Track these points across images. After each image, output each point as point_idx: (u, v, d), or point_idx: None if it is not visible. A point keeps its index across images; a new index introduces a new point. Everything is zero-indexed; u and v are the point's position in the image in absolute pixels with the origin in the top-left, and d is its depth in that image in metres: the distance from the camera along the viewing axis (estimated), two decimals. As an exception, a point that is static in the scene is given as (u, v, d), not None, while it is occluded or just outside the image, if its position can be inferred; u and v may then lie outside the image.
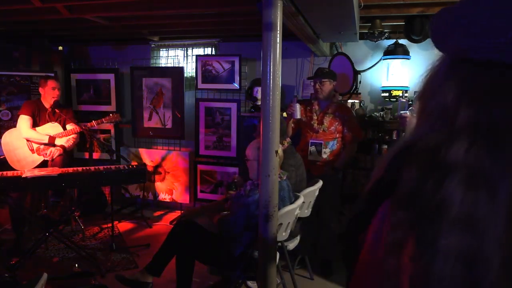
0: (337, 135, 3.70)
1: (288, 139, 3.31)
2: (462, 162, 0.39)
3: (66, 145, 4.15)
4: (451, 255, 0.39)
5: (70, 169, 3.48)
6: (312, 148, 3.66)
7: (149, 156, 5.41)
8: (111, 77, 5.47)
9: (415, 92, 4.25)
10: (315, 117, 3.73)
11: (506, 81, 0.38)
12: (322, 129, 3.68)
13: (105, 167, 3.60)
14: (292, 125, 3.76)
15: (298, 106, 3.54)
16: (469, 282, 0.38)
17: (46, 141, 4.04)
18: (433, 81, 0.45)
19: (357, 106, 4.59)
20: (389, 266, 0.44)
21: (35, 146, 4.08)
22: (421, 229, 0.42)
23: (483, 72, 0.40)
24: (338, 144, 3.71)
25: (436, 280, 0.40)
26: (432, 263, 0.40)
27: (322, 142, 3.66)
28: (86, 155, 5.30)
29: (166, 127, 5.32)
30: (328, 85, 3.70)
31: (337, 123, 3.68)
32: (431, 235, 0.40)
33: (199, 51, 5.50)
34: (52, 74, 4.86)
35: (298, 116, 3.57)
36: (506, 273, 0.36)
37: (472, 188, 0.39)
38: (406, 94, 4.31)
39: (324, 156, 3.66)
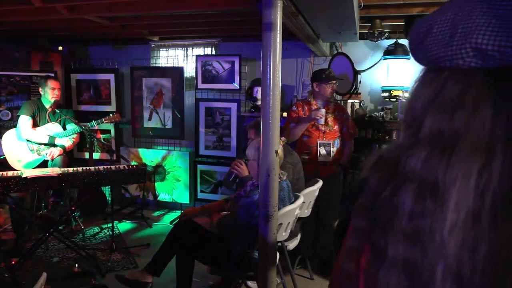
0: (339, 133, 3.73)
1: (283, 138, 3.29)
2: (417, 171, 0.40)
3: (66, 145, 4.15)
4: (397, 264, 0.39)
5: (70, 169, 3.48)
6: (321, 149, 3.66)
7: (149, 156, 5.41)
8: (111, 77, 5.47)
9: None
10: (323, 118, 3.73)
11: (468, 89, 0.38)
12: (328, 129, 3.68)
13: (105, 167, 3.60)
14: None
15: (324, 111, 3.56)
16: None
17: (46, 141, 4.04)
18: (411, 92, 0.45)
19: (357, 106, 4.59)
20: (348, 271, 0.46)
21: (35, 146, 4.08)
22: (375, 237, 0.42)
23: (450, 80, 0.40)
24: (340, 142, 3.75)
25: None
26: (380, 271, 0.41)
27: (330, 142, 3.67)
28: (86, 155, 5.30)
29: (166, 127, 5.32)
30: (335, 87, 3.76)
31: (339, 122, 3.72)
32: (383, 244, 0.41)
33: (199, 51, 5.50)
34: (52, 74, 4.86)
35: (323, 122, 3.59)
36: (450, 283, 0.36)
37: (421, 197, 0.39)
38: (406, 94, 4.31)
39: (333, 155, 3.68)
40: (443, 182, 0.37)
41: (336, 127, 3.70)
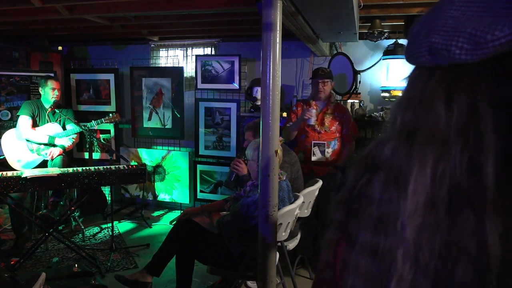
0: (337, 134, 3.71)
1: (281, 138, 3.29)
2: (387, 161, 0.42)
3: (66, 145, 4.15)
4: (365, 249, 0.42)
5: (70, 169, 3.48)
6: (315, 149, 3.66)
7: (148, 156, 5.41)
8: (110, 77, 5.47)
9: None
10: (314, 118, 3.73)
11: (427, 85, 0.41)
12: (324, 130, 3.68)
13: (104, 167, 3.60)
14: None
15: (314, 111, 3.57)
16: (379, 274, 0.41)
17: (46, 141, 4.04)
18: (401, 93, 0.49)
19: (357, 106, 4.59)
20: (327, 260, 0.49)
21: (35, 146, 4.08)
22: (350, 227, 0.45)
23: (418, 77, 0.43)
24: (338, 143, 3.72)
25: (354, 274, 0.43)
26: (351, 256, 0.44)
27: (325, 142, 3.66)
28: (86, 155, 5.30)
29: (166, 127, 5.32)
30: (329, 85, 3.71)
31: (337, 123, 3.69)
32: (356, 231, 0.44)
33: (199, 51, 5.50)
34: (52, 74, 4.86)
35: (313, 122, 3.60)
36: (409, 266, 0.38)
37: (388, 185, 0.41)
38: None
39: (327, 155, 3.67)
40: (405, 170, 0.40)
41: (333, 128, 3.69)
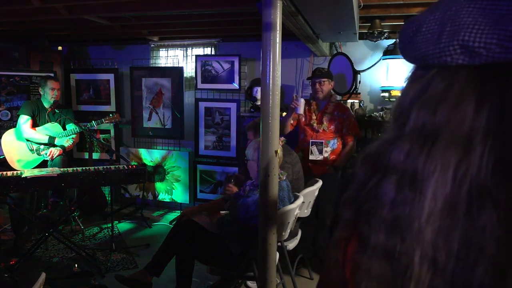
0: (337, 134, 3.71)
1: (282, 138, 3.30)
2: (399, 163, 0.42)
3: (66, 145, 4.15)
4: (378, 251, 0.42)
5: (70, 169, 3.48)
6: (313, 148, 3.66)
7: (148, 156, 5.41)
8: (110, 77, 5.47)
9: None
10: (314, 117, 3.74)
11: (453, 85, 0.40)
12: (322, 129, 3.69)
13: (104, 167, 3.60)
14: (292, 121, 3.75)
15: (302, 100, 3.55)
16: (394, 277, 0.40)
17: (46, 141, 4.04)
18: (401, 90, 0.48)
19: (356, 106, 4.59)
20: (335, 260, 0.48)
21: (35, 146, 4.08)
22: (361, 228, 0.45)
23: (437, 77, 0.42)
24: (338, 143, 3.72)
25: (367, 277, 0.42)
26: (363, 258, 0.43)
27: (323, 141, 3.66)
28: (86, 155, 5.30)
29: (166, 127, 5.32)
30: (327, 85, 3.71)
31: (336, 122, 3.69)
32: (367, 232, 0.43)
33: (199, 51, 5.50)
34: (52, 74, 4.86)
35: (301, 112, 3.58)
36: (426, 268, 0.38)
37: (402, 187, 0.41)
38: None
39: (325, 155, 3.66)
40: (422, 173, 0.40)
41: (332, 127, 3.69)
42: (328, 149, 3.68)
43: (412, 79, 0.45)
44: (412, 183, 0.40)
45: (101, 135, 5.49)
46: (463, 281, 0.36)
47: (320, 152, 3.66)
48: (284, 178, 2.82)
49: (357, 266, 0.44)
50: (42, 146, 4.08)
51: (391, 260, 0.41)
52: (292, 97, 3.60)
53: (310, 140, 3.69)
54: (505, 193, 0.36)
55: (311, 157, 3.67)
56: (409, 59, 0.46)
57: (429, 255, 0.38)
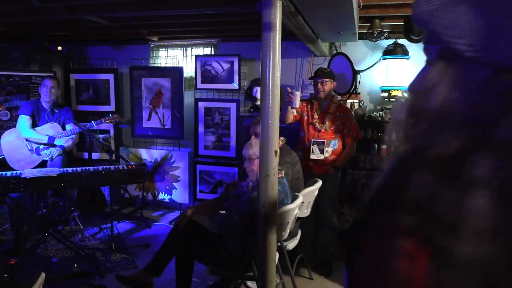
0: (338, 134, 3.71)
1: (282, 138, 3.30)
2: (492, 177, 0.38)
3: (65, 145, 4.15)
4: (470, 268, 0.38)
5: (70, 169, 3.48)
6: (315, 147, 3.66)
7: (148, 156, 5.41)
8: (110, 77, 5.46)
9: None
10: (316, 116, 3.74)
11: None
12: (324, 128, 3.69)
13: (104, 167, 3.60)
14: (294, 113, 3.73)
15: (298, 94, 3.50)
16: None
17: (46, 141, 4.04)
18: (457, 92, 0.43)
19: (356, 106, 4.59)
20: (401, 276, 0.43)
21: (34, 146, 4.08)
22: (438, 238, 0.40)
23: None
24: (339, 144, 3.72)
25: None
26: (448, 274, 0.39)
27: (325, 140, 3.66)
28: (86, 155, 5.30)
29: (166, 127, 5.32)
30: (329, 85, 3.71)
31: (338, 122, 3.70)
32: (448, 245, 0.39)
33: (198, 51, 5.50)
34: (52, 74, 4.86)
35: (297, 105, 3.54)
36: None
37: (501, 203, 0.38)
38: (405, 94, 4.31)
39: (326, 155, 3.67)
40: None
41: (334, 127, 3.69)
42: (329, 149, 3.68)
43: (479, 84, 0.41)
44: (509, 197, 0.37)
45: (100, 135, 5.49)
46: None
47: (322, 151, 3.66)
48: (283, 175, 2.82)
49: (435, 282, 0.40)
50: (41, 146, 4.08)
51: (489, 275, 0.38)
52: (287, 90, 3.55)
53: (312, 140, 3.69)
54: None
55: (312, 157, 3.67)
56: (483, 56, 0.40)
57: None
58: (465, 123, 0.42)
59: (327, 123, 3.69)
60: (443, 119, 0.43)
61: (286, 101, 3.58)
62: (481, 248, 0.38)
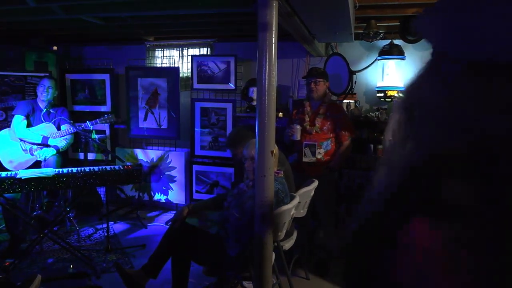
0: (330, 135, 3.69)
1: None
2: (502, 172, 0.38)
3: (60, 145, 4.13)
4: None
5: (65, 170, 3.46)
6: (306, 150, 3.66)
7: (144, 157, 5.39)
8: (106, 77, 5.45)
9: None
10: (307, 119, 3.73)
11: None
12: (314, 130, 3.67)
13: (100, 167, 3.59)
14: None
15: (298, 127, 3.62)
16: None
17: (39, 141, 4.02)
18: (445, 88, 0.43)
19: (352, 106, 4.60)
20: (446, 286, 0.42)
21: (28, 146, 4.06)
22: (488, 248, 0.40)
23: (502, 77, 0.38)
24: (332, 144, 3.70)
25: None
26: (499, 279, 0.39)
27: (316, 143, 3.66)
28: (81, 156, 5.28)
29: (162, 127, 5.31)
30: (322, 85, 3.71)
31: (329, 123, 3.67)
32: (498, 253, 0.39)
33: (195, 51, 5.49)
34: (47, 74, 4.84)
35: (299, 138, 3.65)
36: None
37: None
38: (401, 95, 4.32)
39: (319, 156, 3.66)
40: None
41: (325, 128, 3.68)
42: (322, 150, 3.67)
43: (463, 79, 0.41)
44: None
45: (96, 136, 5.48)
46: None
47: (313, 154, 3.66)
48: (282, 175, 2.83)
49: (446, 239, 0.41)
50: (35, 146, 4.06)
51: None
52: (293, 110, 3.66)
53: (304, 142, 3.68)
54: None
55: (304, 159, 3.66)
56: (461, 53, 0.41)
57: None
58: (445, 117, 0.42)
59: (317, 125, 3.68)
60: (430, 115, 0.44)
61: (288, 135, 3.68)
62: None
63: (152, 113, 5.32)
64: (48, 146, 4.07)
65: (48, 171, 3.41)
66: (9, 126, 4.16)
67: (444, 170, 0.43)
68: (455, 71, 0.42)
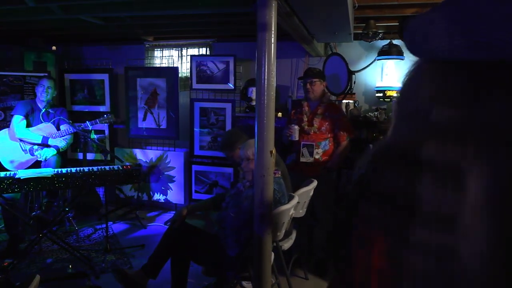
0: (329, 135, 3.69)
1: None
2: (434, 161, 0.41)
3: (59, 145, 4.13)
4: (422, 248, 0.41)
5: (64, 170, 3.46)
6: (304, 150, 3.67)
7: (143, 157, 5.39)
8: (105, 77, 5.45)
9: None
10: (305, 119, 3.73)
11: (480, 80, 0.40)
12: (312, 131, 3.68)
13: (99, 167, 3.59)
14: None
15: (296, 128, 3.62)
16: (442, 274, 0.40)
17: (39, 141, 4.02)
18: (410, 84, 0.47)
19: (351, 106, 4.60)
20: (361, 260, 0.47)
21: (28, 146, 4.06)
22: (394, 226, 0.44)
23: (457, 71, 0.41)
24: (330, 144, 3.71)
25: (411, 275, 0.42)
26: (404, 257, 0.42)
27: (314, 143, 3.66)
28: (80, 156, 5.28)
29: (161, 127, 5.31)
30: (318, 85, 3.71)
31: (327, 123, 3.68)
32: (403, 232, 0.42)
33: (194, 51, 5.49)
34: (46, 74, 4.83)
35: (297, 138, 3.64)
36: (475, 262, 0.38)
37: (444, 185, 0.40)
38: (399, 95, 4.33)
39: (317, 156, 3.66)
40: (461, 169, 0.39)
41: (323, 128, 3.69)
42: (320, 150, 3.68)
43: (421, 74, 0.45)
44: (452, 179, 0.40)
45: (95, 136, 5.47)
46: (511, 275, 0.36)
47: (311, 154, 3.66)
48: (280, 175, 2.83)
49: (395, 266, 0.43)
50: (35, 146, 4.06)
51: (438, 256, 0.40)
52: (292, 110, 3.63)
53: (302, 142, 3.68)
54: None
55: (302, 159, 3.67)
56: (419, 52, 0.46)
57: (477, 250, 0.38)
58: (411, 113, 0.45)
59: (315, 125, 3.68)
60: (403, 110, 0.47)
61: (286, 136, 3.67)
62: (430, 233, 0.41)
63: (151, 113, 5.32)
64: (48, 146, 4.06)
65: (47, 171, 3.41)
66: (8, 126, 4.16)
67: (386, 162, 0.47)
68: (415, 64, 0.46)
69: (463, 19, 0.40)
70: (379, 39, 4.37)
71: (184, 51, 5.54)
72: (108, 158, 4.86)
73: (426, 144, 0.42)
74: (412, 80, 0.47)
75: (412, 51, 0.46)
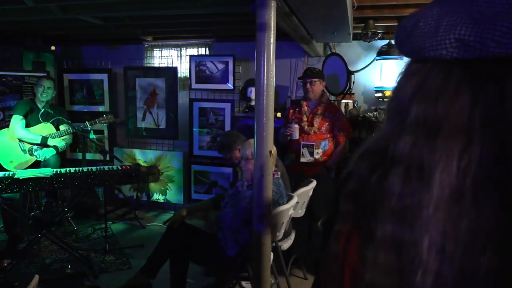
0: (328, 135, 3.71)
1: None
2: (405, 155, 0.43)
3: (59, 145, 4.13)
4: (386, 242, 0.42)
5: (63, 170, 3.46)
6: (304, 150, 3.67)
7: (142, 157, 5.39)
8: (104, 77, 5.44)
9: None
10: (305, 119, 3.74)
11: (449, 78, 0.41)
12: (312, 131, 3.69)
13: (98, 167, 3.58)
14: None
15: (296, 127, 3.61)
16: (402, 266, 0.41)
17: (39, 141, 4.02)
18: (397, 83, 0.49)
19: (350, 106, 4.60)
20: (335, 254, 0.48)
21: (27, 146, 4.05)
22: (365, 220, 0.45)
23: (433, 70, 0.43)
24: (330, 144, 3.72)
25: (373, 269, 0.43)
26: (369, 250, 0.44)
27: (314, 143, 3.67)
28: (79, 156, 5.27)
29: (160, 127, 5.30)
30: (318, 85, 3.72)
31: (327, 123, 3.70)
32: (372, 225, 0.44)
33: (193, 51, 5.49)
34: (45, 74, 4.83)
35: (297, 137, 3.64)
36: (434, 256, 0.39)
37: (409, 179, 0.42)
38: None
39: (317, 156, 3.67)
40: (428, 163, 0.40)
41: (323, 128, 3.70)
42: (320, 150, 3.69)
43: (408, 74, 0.46)
44: (419, 173, 0.41)
45: (94, 136, 5.47)
46: (471, 269, 0.37)
47: (311, 154, 3.66)
48: (279, 176, 2.83)
49: (361, 259, 0.44)
50: (34, 147, 4.05)
51: (399, 250, 0.41)
52: (290, 110, 3.67)
53: (302, 142, 3.69)
54: (508, 181, 0.36)
55: (302, 160, 3.68)
56: (405, 52, 0.47)
57: (438, 244, 0.38)
58: (395, 111, 0.47)
59: (315, 125, 3.69)
60: (389, 109, 0.49)
61: (286, 135, 3.66)
62: (394, 227, 0.42)
63: (150, 113, 5.31)
64: (47, 146, 4.06)
65: (46, 171, 3.40)
66: (7, 126, 4.15)
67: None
68: (406, 65, 0.48)
69: (448, 19, 0.41)
70: (378, 39, 4.38)
71: (183, 51, 5.54)
72: (107, 158, 4.86)
73: (400, 140, 0.43)
74: (399, 80, 0.48)
75: (401, 51, 0.48)
